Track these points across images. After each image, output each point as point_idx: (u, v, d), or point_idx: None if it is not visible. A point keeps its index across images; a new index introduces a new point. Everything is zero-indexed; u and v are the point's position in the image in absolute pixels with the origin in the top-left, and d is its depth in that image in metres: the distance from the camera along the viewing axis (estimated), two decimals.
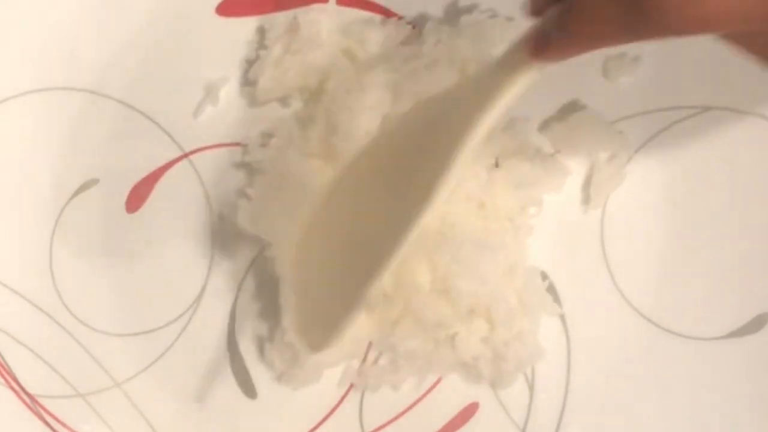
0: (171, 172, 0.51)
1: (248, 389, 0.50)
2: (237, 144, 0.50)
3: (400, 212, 0.36)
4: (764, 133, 0.49)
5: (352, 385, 0.49)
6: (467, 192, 0.47)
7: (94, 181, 0.51)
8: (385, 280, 0.47)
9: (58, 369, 0.50)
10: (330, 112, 0.48)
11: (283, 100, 0.50)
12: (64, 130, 0.51)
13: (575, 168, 0.49)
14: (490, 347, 0.47)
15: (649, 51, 0.49)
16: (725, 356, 0.48)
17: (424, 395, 0.49)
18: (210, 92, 0.51)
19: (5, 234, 0.50)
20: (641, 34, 0.30)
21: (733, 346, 0.48)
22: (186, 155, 0.51)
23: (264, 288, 0.50)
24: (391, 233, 0.36)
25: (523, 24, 0.49)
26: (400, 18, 0.51)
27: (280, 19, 0.50)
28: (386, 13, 0.51)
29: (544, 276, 0.49)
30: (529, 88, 0.34)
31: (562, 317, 0.49)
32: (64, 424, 0.49)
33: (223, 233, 0.50)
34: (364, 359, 0.49)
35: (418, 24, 0.50)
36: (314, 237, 0.44)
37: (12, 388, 0.50)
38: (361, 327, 0.48)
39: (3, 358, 0.50)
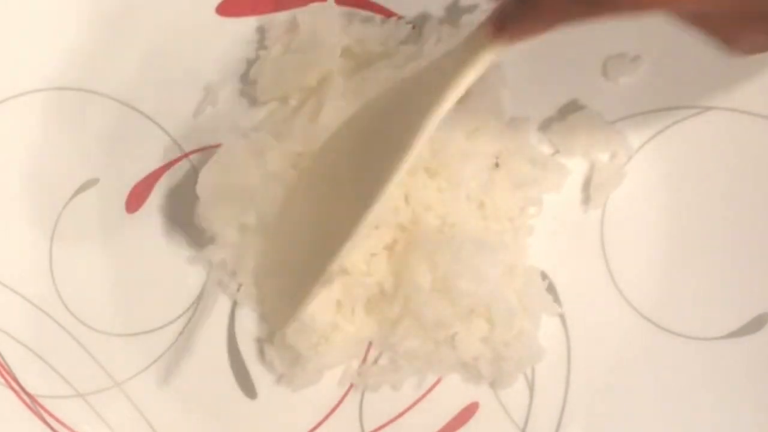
0: (171, 172, 0.51)
1: (248, 389, 0.50)
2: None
3: (363, 191, 0.37)
4: (764, 133, 0.49)
5: (352, 385, 0.49)
6: (467, 192, 0.47)
7: (94, 181, 0.51)
8: (385, 280, 0.47)
9: (58, 369, 0.50)
10: (328, 110, 0.48)
11: (283, 100, 0.50)
12: (64, 130, 0.51)
13: (575, 168, 0.49)
14: (490, 347, 0.47)
15: (649, 51, 0.49)
16: (725, 356, 0.48)
17: (424, 395, 0.49)
18: (210, 92, 0.51)
19: (5, 234, 0.50)
20: (598, 11, 0.31)
21: (733, 346, 0.48)
22: (186, 155, 0.51)
23: None
24: (353, 211, 0.37)
25: None
26: (400, 18, 0.51)
27: (279, 19, 0.50)
28: (386, 12, 0.51)
29: (544, 276, 0.49)
30: (486, 70, 0.35)
31: (562, 317, 0.49)
32: (64, 424, 0.49)
33: None
34: (364, 359, 0.49)
35: (418, 24, 0.50)
36: (283, 222, 0.45)
37: (12, 388, 0.50)
38: (361, 327, 0.48)
39: (3, 358, 0.50)
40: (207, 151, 0.51)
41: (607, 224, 0.49)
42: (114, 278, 0.50)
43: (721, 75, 0.49)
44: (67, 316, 0.50)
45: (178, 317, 0.50)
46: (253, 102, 0.51)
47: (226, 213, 0.48)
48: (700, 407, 0.47)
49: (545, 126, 0.50)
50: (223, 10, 0.51)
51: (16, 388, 0.50)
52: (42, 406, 0.49)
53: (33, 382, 0.50)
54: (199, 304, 0.50)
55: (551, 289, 0.49)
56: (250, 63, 0.51)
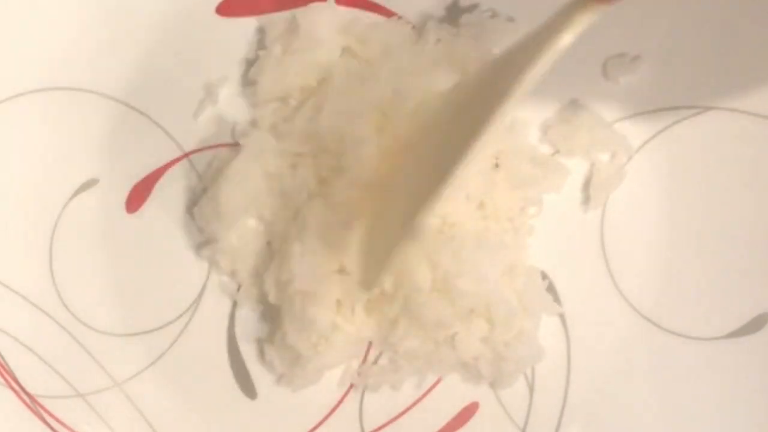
0: (171, 172, 0.51)
1: (248, 389, 0.50)
2: (237, 144, 0.50)
3: (456, 150, 0.37)
4: (764, 133, 0.49)
5: (352, 385, 0.49)
6: (467, 192, 0.47)
7: (94, 181, 0.51)
8: (385, 280, 0.47)
9: (58, 369, 0.50)
10: (327, 110, 0.48)
11: (283, 100, 0.50)
12: (64, 130, 0.51)
13: (575, 168, 0.49)
14: (490, 347, 0.47)
15: (649, 51, 0.49)
16: (725, 356, 0.48)
17: (424, 395, 0.49)
18: (210, 92, 0.51)
19: (5, 234, 0.50)
20: None
21: (733, 346, 0.48)
22: (186, 155, 0.51)
23: None
24: (444, 166, 0.37)
25: (523, 25, 0.50)
26: (400, 18, 0.51)
27: (279, 18, 0.50)
28: (386, 12, 0.51)
29: (544, 276, 0.49)
30: (587, 29, 0.35)
31: (562, 317, 0.49)
32: (64, 424, 0.49)
33: None
34: (364, 359, 0.49)
35: (418, 23, 0.50)
36: (382, 191, 0.45)
37: (12, 388, 0.50)
38: (361, 327, 0.48)
39: (3, 358, 0.50)
40: (207, 150, 0.51)
41: (607, 224, 0.49)
42: (114, 278, 0.50)
43: (721, 75, 0.49)
44: (67, 316, 0.50)
45: (178, 317, 0.50)
46: (254, 102, 0.51)
47: (227, 213, 0.48)
48: (700, 407, 0.47)
49: (545, 126, 0.50)
50: (223, 10, 0.51)
51: (16, 388, 0.50)
52: (42, 406, 0.49)
53: (33, 382, 0.50)
54: (199, 304, 0.50)
55: (551, 289, 0.49)
56: (250, 63, 0.51)
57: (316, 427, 0.49)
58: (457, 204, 0.47)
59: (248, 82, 0.51)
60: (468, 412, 0.49)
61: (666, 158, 0.49)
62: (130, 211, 0.51)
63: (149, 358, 0.50)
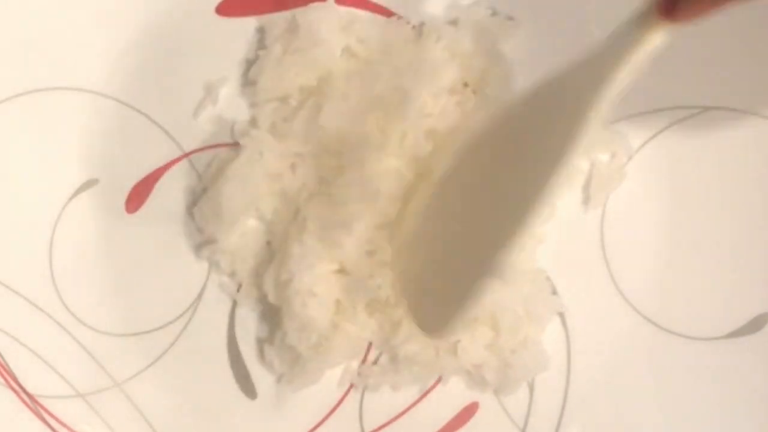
0: (171, 172, 0.51)
1: (248, 389, 0.50)
2: (237, 144, 0.50)
3: (526, 187, 0.36)
4: (764, 133, 0.49)
5: (352, 385, 0.49)
6: None
7: (94, 181, 0.51)
8: (387, 284, 0.47)
9: (58, 369, 0.50)
10: (326, 110, 0.47)
11: (283, 100, 0.50)
12: (64, 130, 0.51)
13: (575, 168, 0.49)
14: (495, 354, 0.47)
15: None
16: (725, 356, 0.48)
17: (424, 395, 0.49)
18: (210, 92, 0.51)
19: (5, 234, 0.50)
20: None
21: (733, 346, 0.48)
22: (186, 155, 0.51)
23: None
24: (516, 209, 0.36)
25: (524, 24, 0.50)
26: (400, 17, 0.51)
27: (279, 19, 0.50)
28: (386, 12, 0.51)
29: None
30: (659, 50, 0.34)
31: (562, 317, 0.49)
32: (64, 424, 0.49)
33: None
34: (364, 359, 0.49)
35: (418, 23, 0.50)
36: (425, 223, 0.44)
37: (12, 388, 0.50)
38: (361, 328, 0.48)
39: (3, 358, 0.50)
40: (207, 150, 0.51)
41: (607, 224, 0.49)
42: (114, 278, 0.50)
43: (721, 75, 0.49)
44: (67, 316, 0.50)
45: (178, 317, 0.50)
46: (254, 102, 0.51)
47: (227, 213, 0.48)
48: (700, 407, 0.47)
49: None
50: (223, 10, 0.51)
51: (16, 388, 0.50)
52: (42, 406, 0.49)
53: (33, 382, 0.50)
54: (199, 304, 0.50)
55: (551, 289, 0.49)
56: (250, 63, 0.51)
57: (316, 427, 0.49)
58: None
59: (248, 82, 0.51)
60: (468, 412, 0.49)
61: (666, 158, 0.49)
62: (130, 211, 0.51)
63: (149, 358, 0.50)
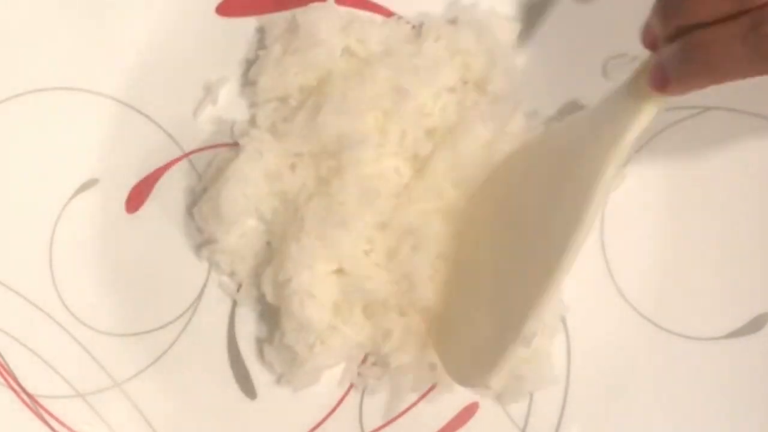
0: (171, 172, 0.51)
1: (248, 389, 0.50)
2: (237, 144, 0.50)
3: (548, 250, 0.37)
4: (764, 133, 0.49)
5: (352, 385, 0.49)
6: None
7: (94, 181, 0.51)
8: (384, 288, 0.47)
9: (58, 369, 0.50)
10: (325, 108, 0.47)
11: (283, 100, 0.50)
12: (64, 130, 0.51)
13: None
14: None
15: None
16: (725, 356, 0.48)
17: (424, 395, 0.49)
18: (210, 92, 0.51)
19: (5, 234, 0.50)
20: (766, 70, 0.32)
21: (733, 346, 0.48)
22: (186, 155, 0.51)
23: None
24: (539, 272, 0.37)
25: (524, 22, 0.50)
26: (400, 17, 0.51)
27: (279, 19, 0.50)
28: (386, 12, 0.51)
29: None
30: (653, 119, 0.36)
31: (562, 317, 0.49)
32: (64, 424, 0.49)
33: None
34: (365, 359, 0.49)
35: (417, 23, 0.50)
36: (456, 268, 0.45)
37: (12, 388, 0.49)
38: (358, 330, 0.47)
39: (3, 358, 0.50)
40: (207, 151, 0.51)
41: (607, 224, 0.49)
42: (114, 278, 0.50)
43: None
44: (67, 316, 0.50)
45: (178, 317, 0.50)
46: (254, 102, 0.51)
47: (227, 213, 0.48)
48: (700, 407, 0.47)
49: (546, 126, 0.50)
50: (223, 10, 0.51)
51: (16, 388, 0.50)
52: (42, 406, 0.49)
53: (33, 382, 0.50)
54: (199, 304, 0.50)
55: None
56: (250, 63, 0.51)
57: (316, 427, 0.49)
58: None
59: (248, 82, 0.51)
60: (468, 412, 0.49)
61: (666, 158, 0.49)
62: (130, 211, 0.51)
63: (149, 358, 0.50)
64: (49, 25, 0.51)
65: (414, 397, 0.49)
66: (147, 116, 0.51)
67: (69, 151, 0.51)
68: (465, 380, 0.43)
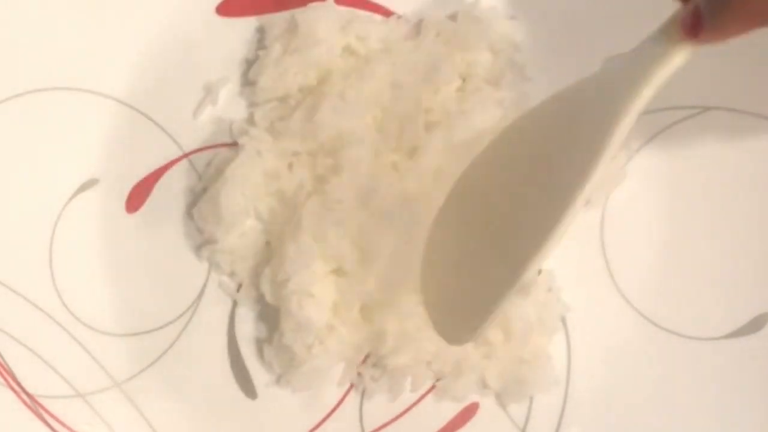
0: (171, 172, 0.51)
1: (248, 389, 0.50)
2: (237, 144, 0.50)
3: (549, 202, 0.36)
4: (764, 133, 0.49)
5: (352, 385, 0.49)
6: None
7: (94, 181, 0.51)
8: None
9: (58, 369, 0.50)
10: (324, 107, 0.47)
11: (283, 100, 0.50)
12: (64, 130, 0.51)
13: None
14: (501, 361, 0.47)
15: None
16: (725, 356, 0.48)
17: (425, 395, 0.49)
18: (210, 92, 0.51)
19: (5, 234, 0.50)
20: None
21: (733, 346, 0.48)
22: (186, 155, 0.51)
23: None
24: (539, 224, 0.36)
25: (524, 23, 0.50)
26: (400, 16, 0.51)
27: (279, 19, 0.50)
28: (385, 11, 0.51)
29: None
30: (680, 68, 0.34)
31: (563, 317, 0.49)
32: (64, 424, 0.49)
33: None
34: (365, 359, 0.49)
35: (417, 22, 0.50)
36: (442, 233, 0.43)
37: (12, 388, 0.50)
38: (356, 330, 0.47)
39: (3, 358, 0.50)
40: (207, 150, 0.51)
41: (607, 224, 0.49)
42: (114, 278, 0.50)
43: (721, 75, 0.49)
44: (67, 316, 0.50)
45: (178, 317, 0.50)
46: (253, 102, 0.51)
47: (226, 213, 0.48)
48: (700, 407, 0.47)
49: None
50: (223, 10, 0.51)
51: (16, 388, 0.50)
52: (42, 406, 0.49)
53: (33, 382, 0.50)
54: (199, 304, 0.50)
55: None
56: (250, 63, 0.51)
57: (316, 427, 0.49)
58: None
59: (248, 82, 0.51)
60: (468, 412, 0.49)
61: (666, 158, 0.49)
62: (130, 211, 0.51)
63: (149, 358, 0.50)
64: (49, 25, 0.51)
65: (414, 397, 0.49)
66: (147, 116, 0.51)
67: (69, 151, 0.51)
68: (455, 337, 0.41)
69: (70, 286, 0.50)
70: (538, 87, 0.50)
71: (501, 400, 0.48)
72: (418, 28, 0.50)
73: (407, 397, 0.49)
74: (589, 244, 0.49)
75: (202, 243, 0.50)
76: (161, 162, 0.51)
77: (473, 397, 0.49)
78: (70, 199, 0.51)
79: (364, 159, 0.46)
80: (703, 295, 0.48)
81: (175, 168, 0.51)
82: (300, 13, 0.50)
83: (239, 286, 0.50)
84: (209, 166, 0.50)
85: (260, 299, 0.49)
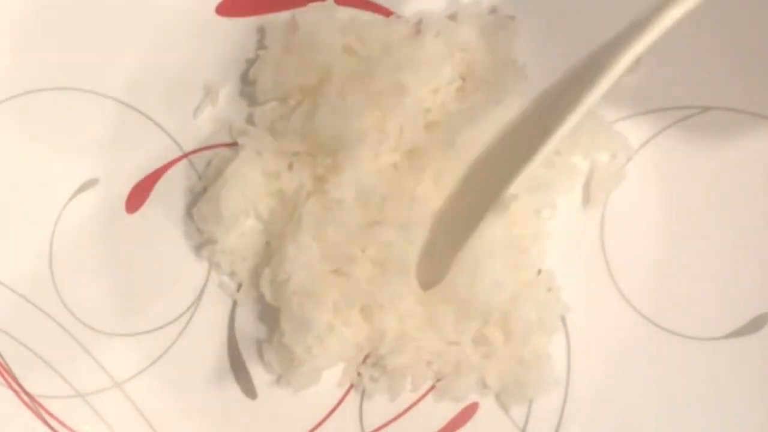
0: (171, 172, 0.51)
1: (248, 389, 0.50)
2: (236, 144, 0.50)
3: (535, 134, 0.35)
4: (764, 133, 0.49)
5: (352, 385, 0.49)
6: None
7: (94, 181, 0.51)
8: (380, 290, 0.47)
9: (58, 369, 0.50)
10: (324, 108, 0.47)
11: (283, 100, 0.50)
12: (64, 130, 0.51)
13: (575, 167, 0.49)
14: (500, 361, 0.47)
15: (648, 51, 0.49)
16: (725, 356, 0.48)
17: (424, 395, 0.49)
18: (210, 92, 0.51)
19: (5, 234, 0.50)
20: None
21: (733, 346, 0.48)
22: (186, 155, 0.51)
23: None
24: (512, 164, 0.35)
25: (524, 23, 0.50)
26: (400, 16, 0.51)
27: (279, 19, 0.51)
28: (386, 11, 0.51)
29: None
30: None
31: (563, 318, 0.49)
32: (64, 424, 0.49)
33: None
34: (365, 360, 0.49)
35: (417, 22, 0.50)
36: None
37: (12, 388, 0.50)
38: (356, 331, 0.47)
39: (3, 358, 0.50)
40: (207, 150, 0.51)
41: (607, 224, 0.49)
42: (114, 278, 0.50)
43: (721, 75, 0.49)
44: (67, 316, 0.50)
45: (178, 317, 0.50)
46: (253, 102, 0.51)
47: (226, 213, 0.48)
48: (700, 407, 0.47)
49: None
50: (223, 10, 0.51)
51: (16, 388, 0.50)
52: (42, 406, 0.49)
53: (33, 382, 0.50)
54: (199, 304, 0.50)
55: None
56: (250, 63, 0.51)
57: (316, 427, 0.49)
58: None
59: (248, 82, 0.51)
60: (468, 412, 0.49)
61: (666, 158, 0.49)
62: (130, 211, 0.51)
63: (149, 358, 0.50)
64: (49, 25, 0.51)
65: (414, 397, 0.49)
66: (147, 116, 0.51)
67: (69, 151, 0.51)
68: (426, 284, 0.40)
69: (70, 286, 0.50)
70: (538, 87, 0.50)
71: (501, 400, 0.48)
72: (418, 28, 0.50)
73: (407, 397, 0.49)
74: (589, 244, 0.49)
75: (202, 243, 0.50)
76: (161, 162, 0.51)
77: (473, 397, 0.49)
78: (70, 199, 0.51)
79: (364, 159, 0.46)
80: (703, 295, 0.48)
81: (174, 168, 0.51)
82: (300, 13, 0.50)
83: (239, 286, 0.50)
84: (209, 166, 0.50)
85: (260, 299, 0.49)
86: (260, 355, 0.50)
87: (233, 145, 0.50)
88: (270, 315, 0.49)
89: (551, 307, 0.48)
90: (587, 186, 0.49)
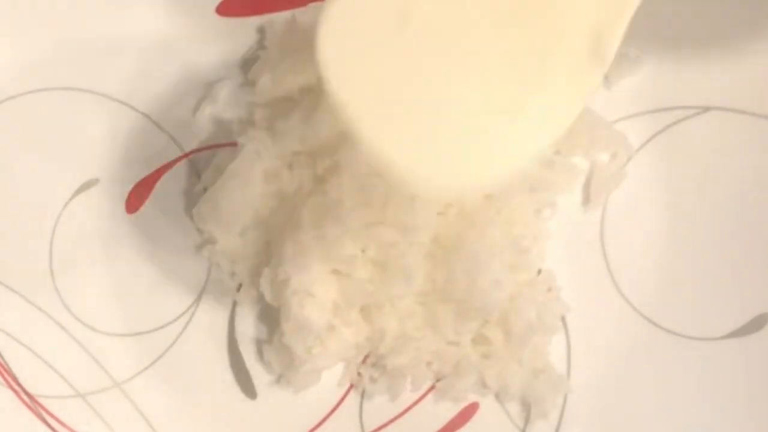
0: (171, 172, 0.51)
1: (248, 389, 0.50)
2: (236, 144, 0.50)
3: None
4: (764, 133, 0.49)
5: (352, 385, 0.49)
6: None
7: (94, 181, 0.51)
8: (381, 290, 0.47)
9: (58, 369, 0.50)
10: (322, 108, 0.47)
11: (283, 100, 0.50)
12: (64, 130, 0.51)
13: (575, 168, 0.49)
14: (500, 360, 0.47)
15: (649, 51, 0.49)
16: (725, 356, 0.48)
17: (425, 395, 0.49)
18: (210, 92, 0.51)
19: (5, 234, 0.50)
20: None
21: (733, 346, 0.48)
22: (186, 155, 0.51)
23: None
24: None
25: None
26: None
27: (279, 19, 0.51)
28: None
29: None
30: None
31: (563, 318, 0.49)
32: (64, 424, 0.49)
33: None
34: (365, 360, 0.49)
35: None
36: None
37: (12, 388, 0.50)
38: (356, 331, 0.47)
39: (3, 358, 0.50)
40: (207, 150, 0.51)
41: (607, 224, 0.49)
42: (114, 278, 0.50)
43: (721, 75, 0.49)
44: (67, 316, 0.50)
45: (178, 317, 0.50)
46: (253, 102, 0.51)
47: (226, 213, 0.48)
48: (700, 407, 0.47)
49: None
50: (223, 10, 0.51)
51: (16, 388, 0.50)
52: (42, 406, 0.49)
53: (33, 382, 0.50)
54: (199, 304, 0.50)
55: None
56: (250, 63, 0.51)
57: (316, 427, 0.49)
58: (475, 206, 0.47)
59: (248, 82, 0.51)
60: (468, 412, 0.49)
61: (666, 158, 0.49)
62: (130, 211, 0.51)
63: (149, 358, 0.50)
64: (48, 25, 0.51)
65: (414, 397, 0.49)
66: (147, 116, 0.51)
67: (69, 151, 0.51)
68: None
69: (70, 286, 0.50)
70: None
71: (501, 400, 0.48)
72: None
73: (407, 397, 0.49)
74: (589, 244, 0.49)
75: (202, 243, 0.50)
76: (161, 162, 0.51)
77: (473, 397, 0.49)
78: (70, 199, 0.51)
79: (364, 159, 0.46)
80: (703, 295, 0.48)
81: (174, 168, 0.51)
82: (300, 13, 0.50)
83: (239, 286, 0.50)
84: (209, 166, 0.50)
85: (260, 299, 0.49)
86: (260, 355, 0.50)
87: (233, 145, 0.50)
88: (270, 315, 0.49)
89: (551, 307, 0.48)
90: (587, 186, 0.49)
